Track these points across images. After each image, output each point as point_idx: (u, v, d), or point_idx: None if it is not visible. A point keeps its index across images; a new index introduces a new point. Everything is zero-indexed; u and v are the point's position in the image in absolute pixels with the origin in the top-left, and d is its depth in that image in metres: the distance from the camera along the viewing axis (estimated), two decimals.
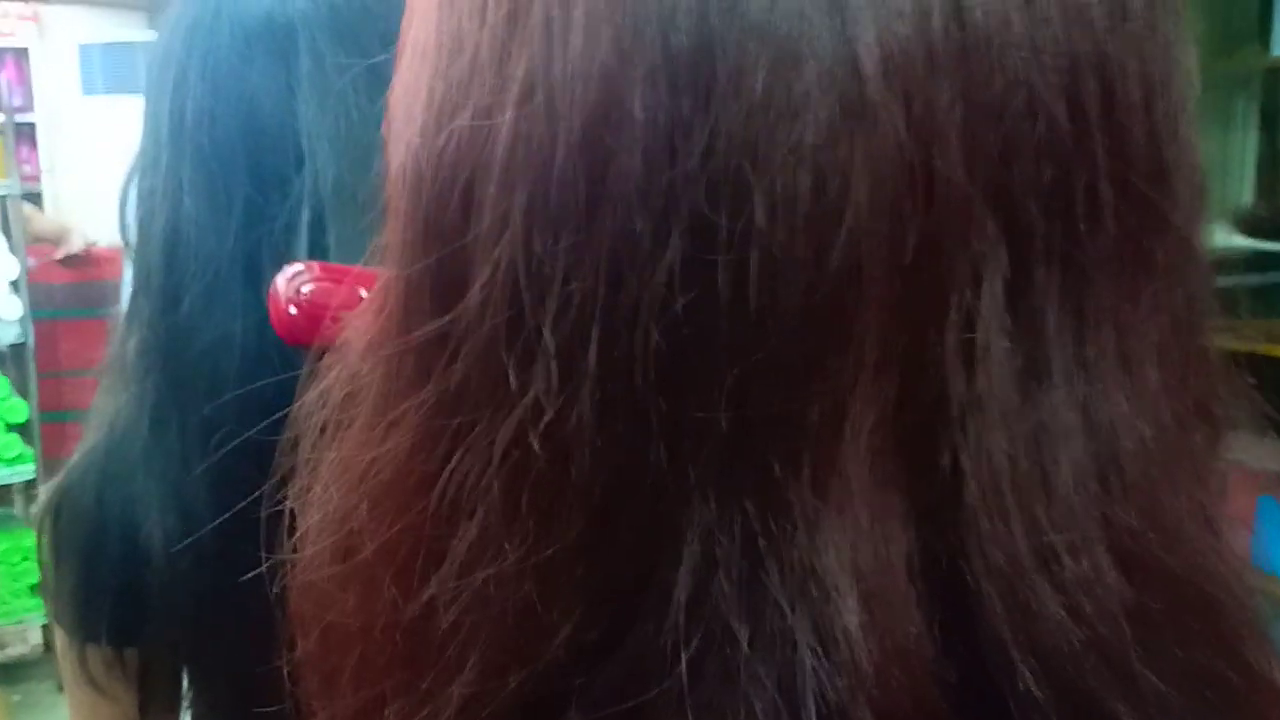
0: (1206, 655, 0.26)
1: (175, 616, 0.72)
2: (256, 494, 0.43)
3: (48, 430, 2.94)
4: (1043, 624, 0.24)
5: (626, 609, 0.25)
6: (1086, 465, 0.25)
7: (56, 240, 3.18)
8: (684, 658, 0.24)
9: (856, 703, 0.24)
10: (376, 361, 0.29)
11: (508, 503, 0.26)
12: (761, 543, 0.24)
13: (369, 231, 0.32)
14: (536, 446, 0.25)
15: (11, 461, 2.92)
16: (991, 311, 0.25)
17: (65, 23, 3.95)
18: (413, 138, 0.27)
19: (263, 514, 0.38)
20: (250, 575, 0.40)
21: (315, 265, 0.49)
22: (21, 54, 3.91)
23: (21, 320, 2.91)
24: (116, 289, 2.63)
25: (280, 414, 0.52)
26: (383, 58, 0.32)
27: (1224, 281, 0.30)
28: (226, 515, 0.62)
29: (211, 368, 0.69)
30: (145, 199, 0.72)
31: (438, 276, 0.27)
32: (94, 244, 3.19)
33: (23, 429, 2.95)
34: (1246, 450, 0.30)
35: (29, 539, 2.90)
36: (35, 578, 2.88)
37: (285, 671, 0.32)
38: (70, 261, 3.18)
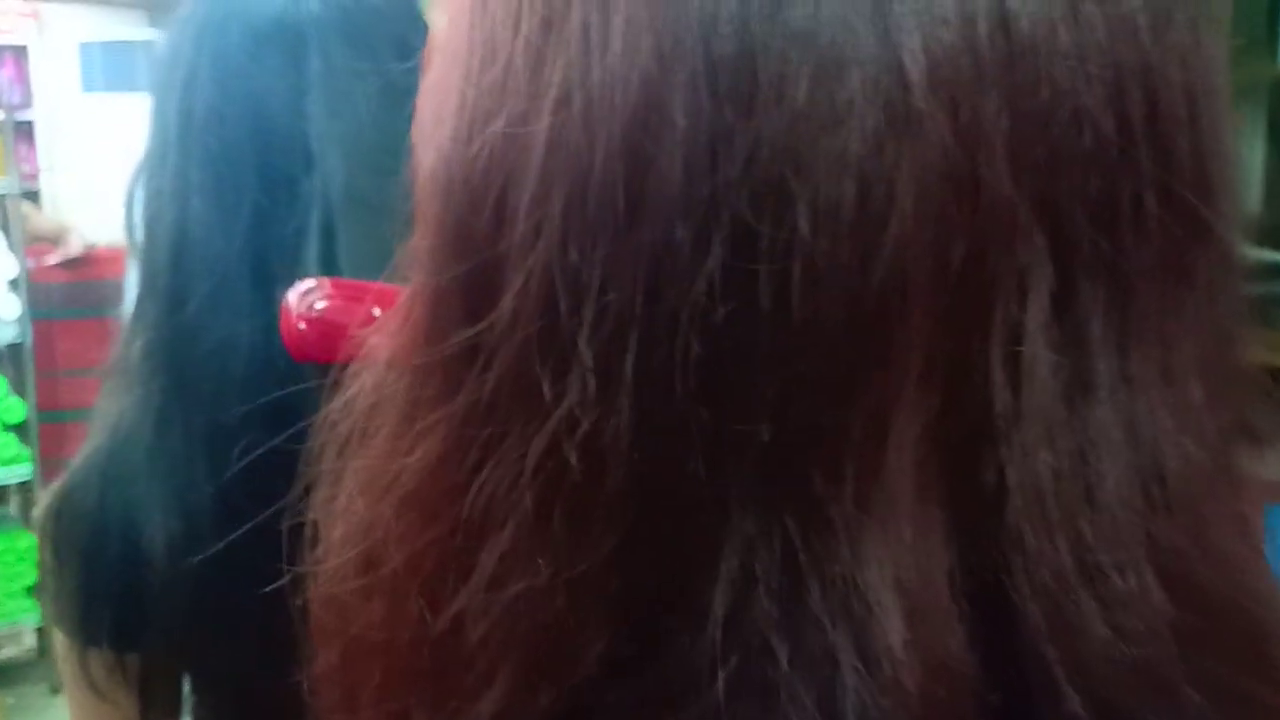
0: (1251, 676, 0.25)
1: (177, 621, 0.72)
2: (262, 499, 0.42)
3: (45, 430, 2.93)
4: (1087, 643, 0.24)
5: (661, 625, 0.25)
6: (1131, 481, 0.25)
7: (55, 239, 3.17)
8: (721, 675, 0.24)
9: None
10: (403, 370, 0.29)
11: (540, 515, 0.25)
12: (802, 557, 0.24)
13: (378, 235, 0.32)
14: (572, 459, 0.24)
15: (8, 462, 2.91)
16: (1037, 323, 0.24)
17: (65, 20, 3.94)
18: (443, 143, 0.27)
19: (266, 517, 0.38)
20: (253, 581, 0.39)
21: (328, 282, 0.49)
22: (21, 51, 3.90)
23: (20, 320, 2.90)
24: (115, 289, 2.63)
25: (286, 417, 0.52)
26: (404, 66, 0.31)
27: None
28: (231, 520, 0.61)
29: (217, 370, 0.69)
30: (152, 199, 0.71)
31: (468, 285, 0.26)
32: (93, 246, 3.18)
33: (20, 429, 2.94)
34: (1254, 460, 0.30)
35: (24, 540, 2.89)
36: (30, 579, 2.87)
37: (304, 685, 0.31)
38: (69, 263, 3.17)
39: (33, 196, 3.53)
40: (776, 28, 0.23)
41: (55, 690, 2.79)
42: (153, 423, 0.71)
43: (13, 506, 3.07)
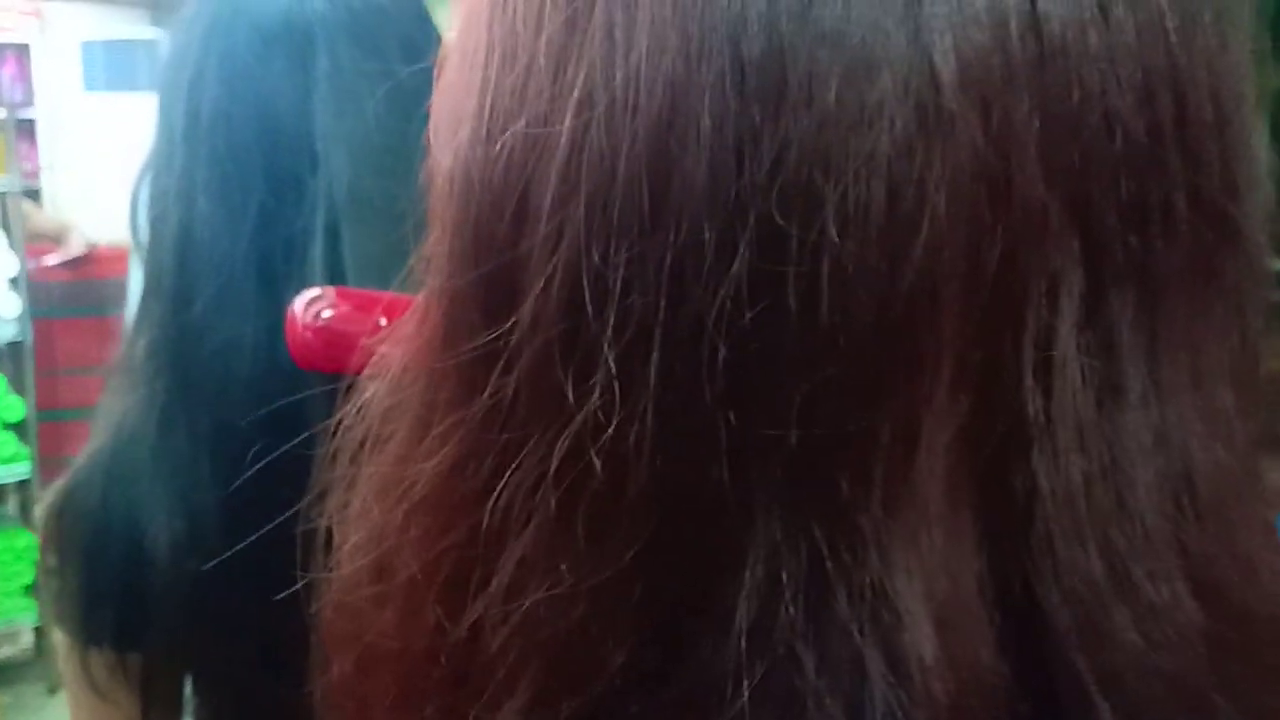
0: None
1: (179, 621, 0.71)
2: (266, 500, 0.42)
3: (44, 429, 2.92)
4: (1119, 652, 0.24)
5: (685, 633, 0.25)
6: (1161, 487, 0.25)
7: (56, 238, 3.16)
8: (746, 685, 0.23)
9: None
10: (419, 374, 0.28)
11: (561, 521, 0.25)
12: (829, 565, 0.23)
13: (384, 235, 0.31)
14: (595, 463, 0.24)
15: (7, 460, 2.90)
16: (1069, 327, 0.24)
17: (67, 19, 3.94)
18: (462, 145, 0.26)
19: (270, 518, 0.37)
20: (256, 581, 0.39)
21: (334, 291, 0.48)
22: (23, 49, 3.89)
23: (20, 318, 2.90)
24: (116, 288, 2.63)
25: (290, 418, 0.51)
26: (411, 67, 0.31)
27: None
28: (234, 520, 0.61)
29: (222, 370, 0.68)
30: (158, 199, 0.71)
31: (488, 287, 0.26)
32: (94, 245, 3.17)
33: (19, 427, 2.94)
34: (1274, 467, 0.30)
35: (22, 539, 2.89)
36: (28, 579, 2.86)
37: (316, 694, 0.31)
38: (70, 261, 3.16)
39: (34, 195, 3.53)
40: (806, 27, 0.23)
41: (53, 690, 2.79)
42: (156, 422, 0.71)
43: (11, 505, 3.07)
